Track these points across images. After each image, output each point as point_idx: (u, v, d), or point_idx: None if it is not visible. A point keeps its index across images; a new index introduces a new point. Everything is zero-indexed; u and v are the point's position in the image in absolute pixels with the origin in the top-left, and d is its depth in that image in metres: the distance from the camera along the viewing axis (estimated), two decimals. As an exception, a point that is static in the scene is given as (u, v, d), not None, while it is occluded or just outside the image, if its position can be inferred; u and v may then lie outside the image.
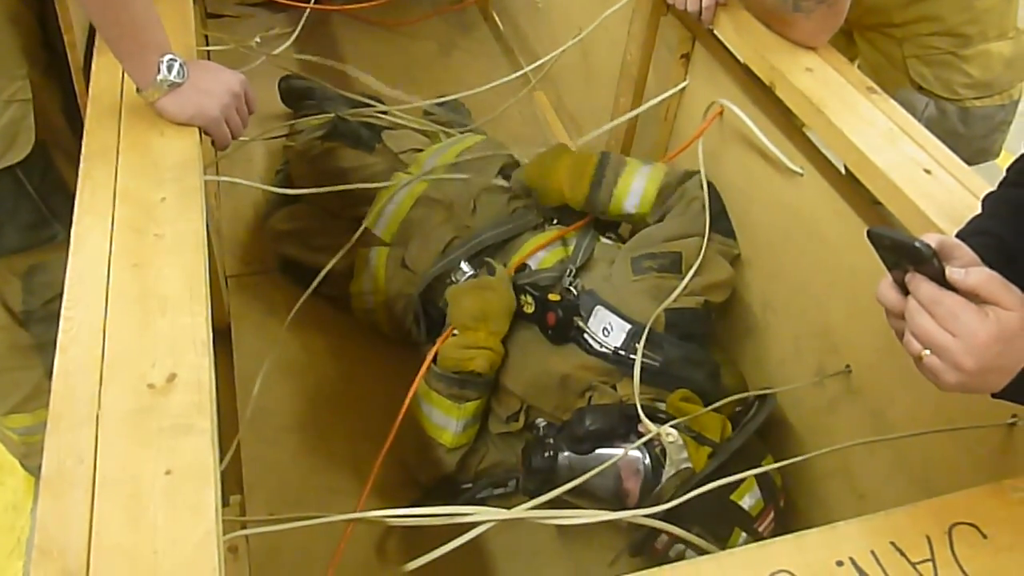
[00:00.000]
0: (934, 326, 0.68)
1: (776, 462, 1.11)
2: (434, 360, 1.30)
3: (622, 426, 1.19)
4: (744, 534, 1.15)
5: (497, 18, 2.45)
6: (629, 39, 1.61)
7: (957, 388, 0.69)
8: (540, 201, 1.48)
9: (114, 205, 0.89)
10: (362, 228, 1.51)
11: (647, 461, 1.16)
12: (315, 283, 1.41)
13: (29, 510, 1.61)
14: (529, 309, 1.34)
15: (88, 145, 0.97)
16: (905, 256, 0.70)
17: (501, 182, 1.56)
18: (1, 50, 1.09)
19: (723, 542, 1.14)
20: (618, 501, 1.17)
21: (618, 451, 1.16)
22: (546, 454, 1.18)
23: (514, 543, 1.30)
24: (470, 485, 1.34)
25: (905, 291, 0.71)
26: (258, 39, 1.91)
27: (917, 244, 0.68)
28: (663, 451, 1.16)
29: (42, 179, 1.17)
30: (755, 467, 1.15)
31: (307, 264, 1.51)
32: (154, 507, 0.64)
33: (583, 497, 1.15)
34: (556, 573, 1.30)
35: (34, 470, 1.60)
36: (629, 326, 1.28)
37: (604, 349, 1.29)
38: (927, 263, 0.68)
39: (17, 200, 1.17)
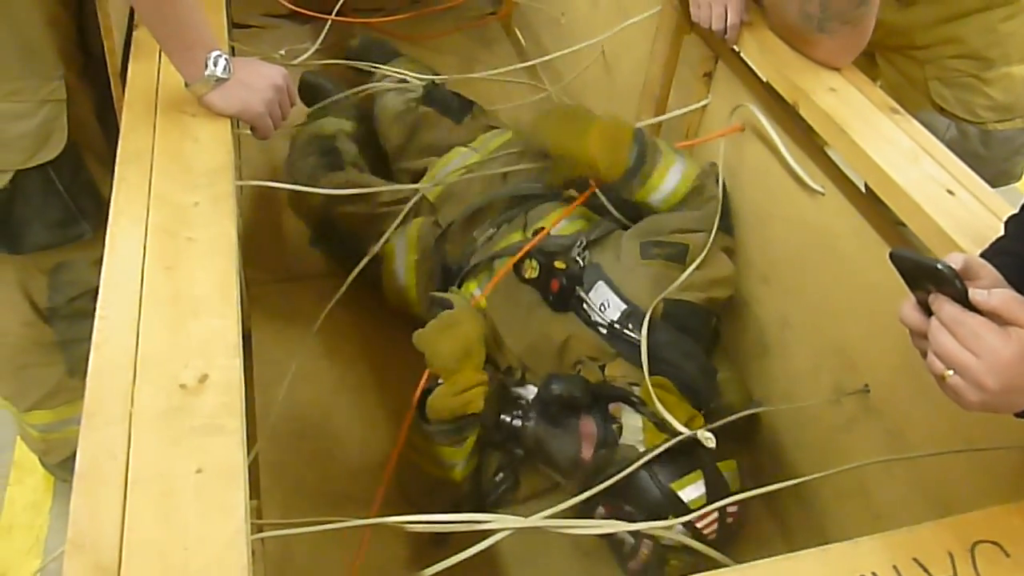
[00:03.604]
0: (956, 346, 0.69)
1: (789, 479, 1.07)
2: (423, 415, 1.24)
3: (586, 398, 1.22)
4: (680, 526, 1.13)
5: (519, 34, 2.47)
6: (652, 57, 1.62)
7: (980, 408, 0.69)
8: (561, 170, 1.42)
9: (148, 209, 0.91)
10: (419, 195, 1.55)
11: (603, 435, 1.20)
12: (353, 274, 1.43)
13: (48, 509, 1.63)
14: (532, 274, 1.36)
15: (123, 149, 0.99)
16: (927, 277, 0.71)
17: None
18: (38, 51, 1.12)
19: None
20: (573, 468, 1.21)
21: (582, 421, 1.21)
22: (517, 412, 1.23)
23: (527, 550, 1.30)
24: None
25: (928, 312, 0.72)
26: (283, 51, 1.95)
27: (939, 266, 0.69)
28: (620, 430, 1.21)
29: (72, 178, 1.20)
30: (713, 464, 1.17)
31: (362, 216, 1.52)
32: (185, 505, 0.65)
33: (543, 458, 1.23)
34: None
35: (53, 467, 1.61)
36: (624, 306, 1.31)
37: (598, 320, 1.32)
38: (949, 284, 0.69)
39: (47, 198, 1.19)
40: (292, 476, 1.38)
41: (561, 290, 1.34)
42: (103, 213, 1.18)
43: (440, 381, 1.23)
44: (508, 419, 1.23)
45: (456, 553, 0.87)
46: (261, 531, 0.93)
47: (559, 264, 1.35)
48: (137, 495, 0.66)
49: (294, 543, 1.22)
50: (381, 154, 1.81)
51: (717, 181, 1.41)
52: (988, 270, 0.72)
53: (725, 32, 1.36)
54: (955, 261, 0.70)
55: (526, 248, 1.39)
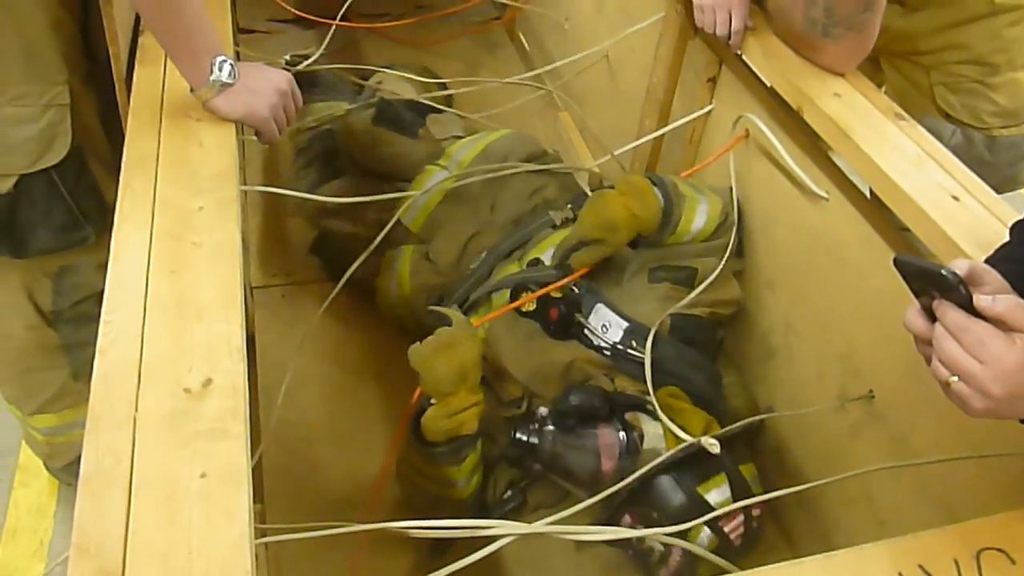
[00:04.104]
0: (961, 353, 0.68)
1: (793, 486, 1.07)
2: (418, 435, 1.21)
3: (605, 408, 1.22)
4: (707, 529, 1.14)
5: (523, 39, 2.48)
6: (656, 62, 1.62)
7: (985, 414, 0.69)
8: (615, 245, 1.33)
9: (153, 213, 0.91)
10: (395, 219, 1.51)
11: (625, 444, 1.19)
12: (349, 272, 1.41)
13: (52, 513, 1.63)
14: (530, 307, 1.35)
15: (128, 155, 0.99)
16: (932, 283, 0.71)
17: (525, 167, 1.57)
18: (43, 56, 1.12)
19: (683, 534, 1.12)
20: (593, 481, 1.19)
21: (601, 431, 1.21)
22: (532, 426, 1.21)
23: (530, 556, 1.30)
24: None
25: (932, 318, 0.72)
26: (288, 56, 1.96)
27: (944, 272, 0.69)
28: (641, 437, 1.20)
29: (76, 182, 1.20)
30: (736, 467, 1.18)
31: (350, 236, 1.52)
32: (189, 508, 0.65)
33: (561, 473, 1.21)
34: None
35: (57, 471, 1.61)
36: (626, 324, 1.31)
37: (602, 344, 1.31)
38: (954, 290, 0.69)
39: (51, 202, 1.19)
40: (295, 480, 1.39)
41: (560, 318, 1.32)
42: (107, 217, 1.18)
43: (432, 400, 1.19)
44: (524, 437, 1.21)
45: (456, 557, 0.86)
46: (264, 535, 0.92)
47: (555, 293, 1.34)
48: (141, 499, 0.66)
49: (297, 548, 1.22)
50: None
51: (733, 208, 1.40)
52: (993, 276, 0.72)
53: (729, 37, 1.36)
54: (960, 267, 0.70)
55: (541, 293, 1.35)
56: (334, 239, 1.65)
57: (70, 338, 1.39)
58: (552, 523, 0.96)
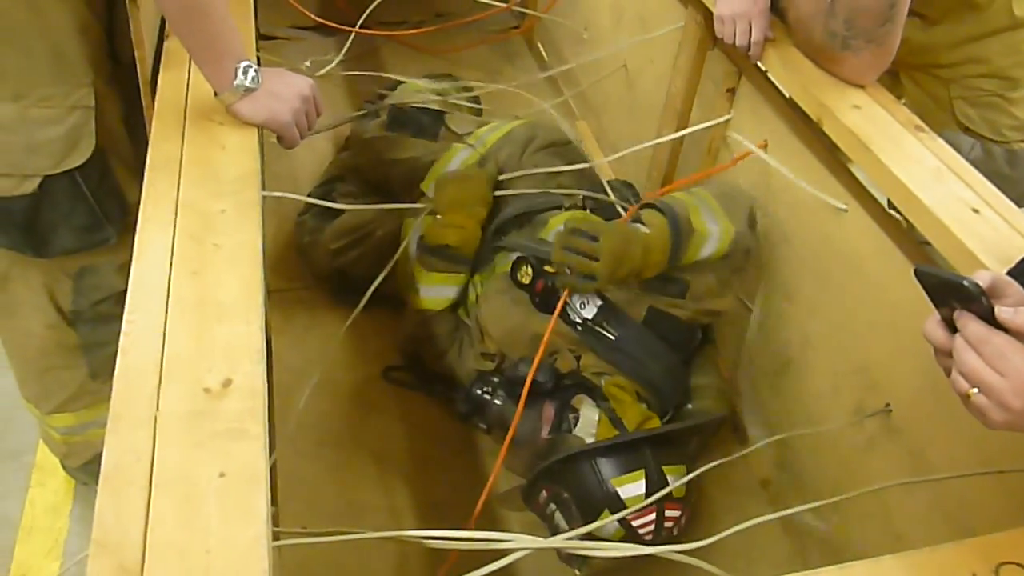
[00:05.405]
0: (982, 365, 0.68)
1: (808, 499, 1.07)
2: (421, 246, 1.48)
3: (550, 384, 1.30)
4: (616, 522, 1.18)
5: (542, 48, 2.49)
6: (674, 72, 1.62)
7: (1004, 427, 0.69)
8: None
9: (176, 215, 0.92)
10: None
11: (556, 421, 1.29)
12: (376, 282, 1.42)
13: (68, 512, 1.64)
14: (526, 279, 1.42)
15: (153, 157, 1.00)
16: (953, 294, 0.71)
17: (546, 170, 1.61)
18: (69, 58, 1.13)
19: (590, 517, 1.19)
20: (528, 448, 1.30)
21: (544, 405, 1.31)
22: (485, 388, 1.33)
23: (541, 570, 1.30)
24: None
25: (953, 329, 0.72)
26: (308, 63, 1.97)
27: (965, 283, 0.69)
28: (576, 420, 1.29)
29: (99, 184, 1.22)
30: (658, 466, 1.22)
31: (368, 276, 1.51)
32: (207, 508, 0.66)
33: (502, 434, 1.28)
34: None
35: (74, 471, 1.62)
36: (601, 302, 1.37)
37: (575, 319, 1.37)
38: (975, 302, 0.69)
39: (74, 203, 1.21)
40: (310, 484, 1.39)
41: (545, 291, 1.39)
42: (128, 218, 1.20)
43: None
44: (479, 391, 1.33)
45: (471, 569, 0.86)
46: (278, 539, 0.93)
47: (549, 268, 1.40)
48: (161, 497, 0.66)
49: (310, 552, 1.23)
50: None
51: (755, 225, 1.40)
52: (1015, 288, 0.71)
53: (749, 48, 1.36)
54: (982, 278, 0.70)
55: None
56: (351, 271, 1.63)
57: (89, 338, 1.40)
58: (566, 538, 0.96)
